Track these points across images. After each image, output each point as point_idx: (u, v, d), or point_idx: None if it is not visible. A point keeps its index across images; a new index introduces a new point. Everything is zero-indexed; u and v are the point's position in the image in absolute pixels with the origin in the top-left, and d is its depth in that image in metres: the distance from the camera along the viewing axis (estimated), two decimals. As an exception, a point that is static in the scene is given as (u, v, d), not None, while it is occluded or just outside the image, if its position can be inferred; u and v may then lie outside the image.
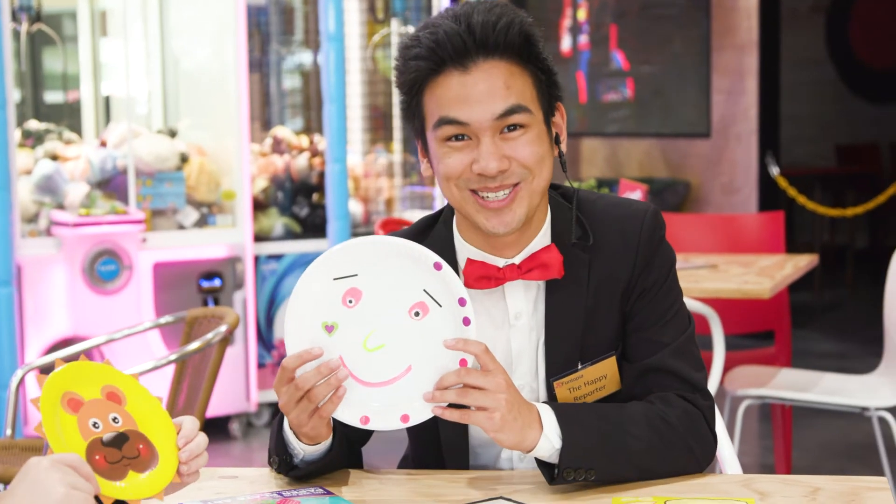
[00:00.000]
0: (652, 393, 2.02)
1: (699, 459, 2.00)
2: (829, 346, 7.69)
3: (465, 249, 2.06)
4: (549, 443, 1.87)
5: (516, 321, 2.05)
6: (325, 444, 1.96)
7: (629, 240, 2.04)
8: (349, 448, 2.06)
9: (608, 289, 2.04)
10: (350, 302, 1.86)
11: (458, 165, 1.96)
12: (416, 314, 1.86)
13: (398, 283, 1.86)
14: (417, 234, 2.09)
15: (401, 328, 1.86)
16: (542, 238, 2.05)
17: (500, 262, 2.03)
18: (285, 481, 1.99)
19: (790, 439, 4.76)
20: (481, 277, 2.00)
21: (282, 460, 1.96)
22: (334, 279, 1.86)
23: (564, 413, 1.91)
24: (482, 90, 1.93)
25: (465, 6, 1.96)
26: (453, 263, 2.04)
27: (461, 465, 2.07)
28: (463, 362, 1.84)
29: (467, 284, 1.99)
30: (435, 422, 1.89)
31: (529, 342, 2.05)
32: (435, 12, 6.77)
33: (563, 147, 2.05)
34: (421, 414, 1.86)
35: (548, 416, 1.89)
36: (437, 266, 1.84)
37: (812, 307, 8.84)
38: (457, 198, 1.99)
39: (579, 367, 2.02)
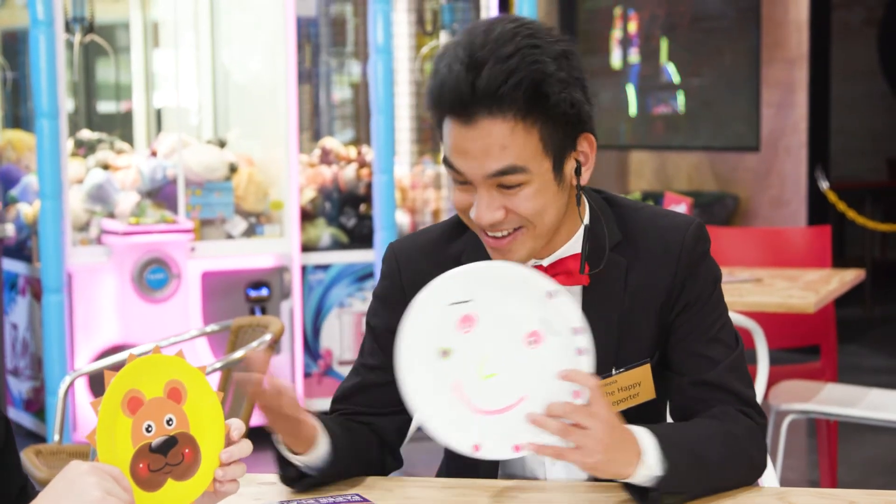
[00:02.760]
0: (710, 408, 2.02)
1: (757, 472, 2.02)
2: (879, 361, 7.62)
3: None
4: (649, 471, 1.86)
5: None
6: (322, 452, 1.96)
7: (671, 250, 2.03)
8: (380, 449, 2.08)
9: (645, 296, 2.04)
10: (465, 327, 1.86)
11: (462, 203, 1.96)
12: (531, 342, 1.84)
13: (513, 310, 1.85)
14: (459, 225, 2.09)
15: (515, 356, 1.85)
16: (574, 244, 2.04)
17: (529, 262, 2.03)
18: (325, 488, 2.00)
19: (835, 455, 4.73)
20: None
21: (284, 474, 1.97)
22: (450, 304, 1.86)
23: (665, 438, 1.89)
24: (478, 147, 1.89)
25: (480, 50, 1.88)
26: (488, 258, 2.03)
27: (491, 472, 2.08)
28: (576, 394, 1.81)
29: None
30: None
31: None
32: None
33: (585, 176, 1.98)
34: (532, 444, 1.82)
35: (649, 442, 1.87)
36: (551, 294, 1.83)
37: (862, 322, 8.77)
38: (470, 225, 2.00)
39: (613, 372, 2.02)
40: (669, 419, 2.13)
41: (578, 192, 2.00)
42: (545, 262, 2.03)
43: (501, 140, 1.88)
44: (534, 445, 1.80)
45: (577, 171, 1.98)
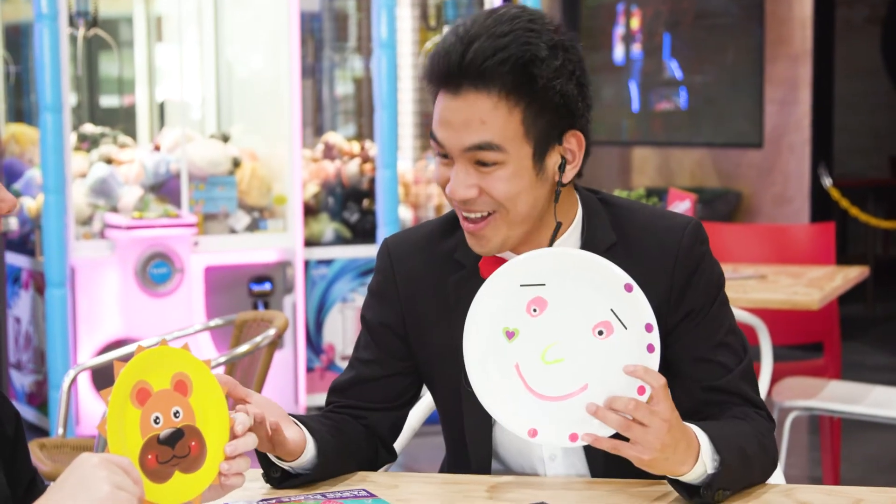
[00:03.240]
0: (725, 411, 2.02)
1: (774, 471, 2.03)
2: (882, 358, 7.62)
3: None
4: (703, 468, 1.85)
5: None
6: (308, 457, 1.95)
7: (667, 251, 2.01)
8: (372, 444, 2.09)
9: None
10: (534, 311, 1.85)
11: (441, 178, 1.97)
12: (600, 333, 1.83)
13: (586, 299, 1.83)
14: (448, 223, 2.10)
15: (582, 345, 1.84)
16: (566, 241, 2.02)
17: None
18: (330, 483, 2.00)
19: (838, 452, 4.72)
20: (494, 270, 1.95)
21: (269, 476, 1.96)
22: (521, 285, 1.85)
23: (718, 437, 1.88)
24: (460, 119, 1.90)
25: (477, 25, 1.91)
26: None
27: (485, 467, 2.08)
28: (641, 390, 1.80)
29: (482, 276, 1.96)
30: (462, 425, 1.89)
31: None
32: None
33: (569, 175, 1.97)
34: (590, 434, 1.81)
35: (704, 440, 1.87)
36: (629, 287, 1.82)
37: (864, 319, 8.77)
38: (449, 202, 2.00)
39: None
40: None
41: (558, 189, 1.97)
42: None
43: (482, 114, 1.89)
44: (591, 436, 1.80)
45: (562, 168, 1.96)
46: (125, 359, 1.64)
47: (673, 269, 2.01)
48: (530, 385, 1.85)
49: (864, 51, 10.38)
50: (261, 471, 2.01)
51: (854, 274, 4.52)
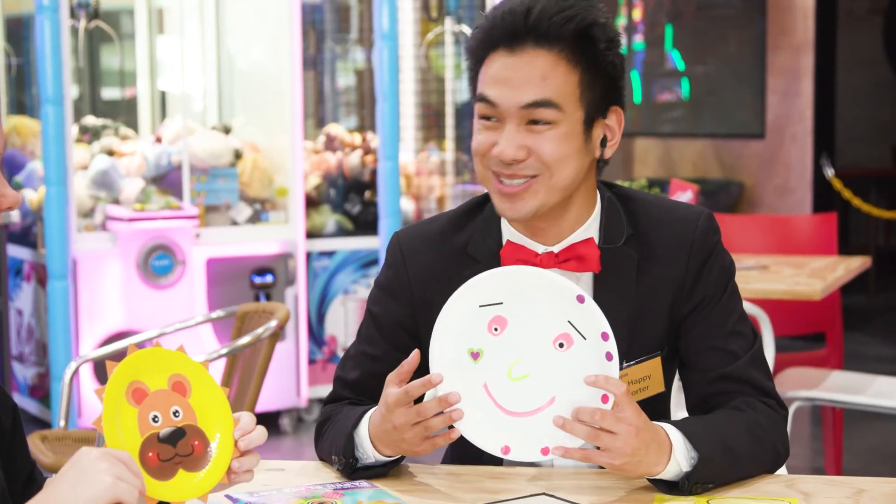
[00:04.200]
0: (732, 400, 2.02)
1: (780, 461, 2.03)
2: (884, 349, 7.62)
3: (508, 232, 2.06)
4: (678, 466, 1.87)
5: None
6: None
7: (682, 241, 2.03)
8: None
9: (657, 289, 2.03)
10: (496, 330, 1.87)
11: (484, 143, 1.97)
12: (561, 345, 1.85)
13: (543, 314, 1.85)
14: (465, 214, 2.10)
15: (546, 359, 1.85)
16: (586, 231, 2.04)
17: (540, 249, 2.03)
18: (332, 474, 2.00)
19: (840, 442, 4.72)
20: (518, 261, 1.99)
21: (348, 462, 1.96)
22: (480, 306, 1.87)
23: (693, 433, 1.90)
24: (520, 76, 1.93)
25: None
26: (497, 245, 2.04)
27: (496, 459, 2.08)
28: (605, 398, 1.82)
29: (504, 265, 1.97)
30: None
31: None
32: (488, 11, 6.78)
33: (609, 152, 2.02)
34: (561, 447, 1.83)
35: (677, 438, 1.88)
36: (581, 298, 1.83)
37: (867, 310, 8.76)
38: (481, 174, 2.00)
39: (623, 365, 2.01)
40: (683, 412, 2.13)
41: (601, 164, 2.01)
42: (556, 249, 2.03)
43: (544, 71, 1.92)
44: (561, 449, 1.82)
45: (603, 144, 2.00)
46: (117, 358, 1.62)
47: (687, 259, 2.03)
48: (500, 403, 1.87)
49: (867, 41, 10.37)
50: (263, 462, 2.01)
51: (856, 264, 4.52)
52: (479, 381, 1.87)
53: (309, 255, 6.07)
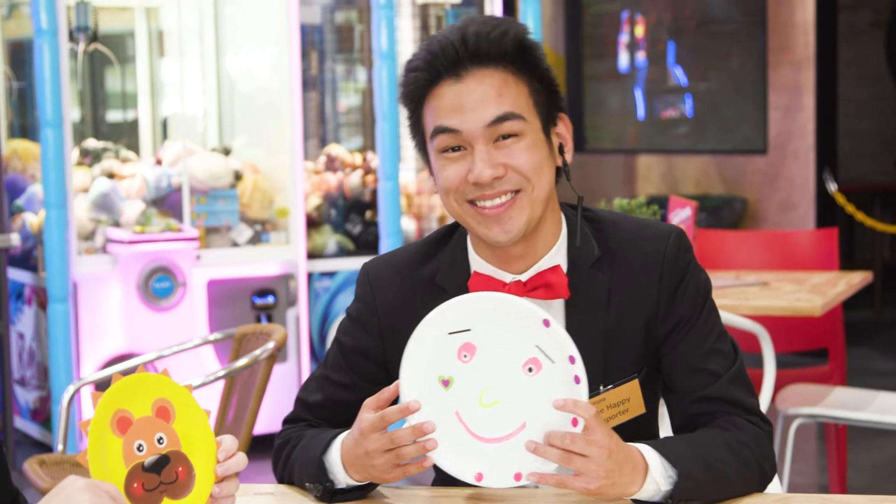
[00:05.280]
0: (714, 420, 2.01)
1: (767, 480, 2.01)
2: (889, 364, 7.59)
3: (476, 262, 2.06)
4: (656, 486, 1.86)
5: None
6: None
7: (652, 261, 2.02)
8: None
9: (630, 311, 2.02)
10: (465, 357, 1.86)
11: (454, 177, 1.96)
12: (530, 370, 1.85)
13: (510, 339, 1.85)
14: (434, 244, 2.10)
15: (515, 384, 1.85)
16: (554, 256, 2.03)
17: (507, 278, 2.02)
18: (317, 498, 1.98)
19: (845, 459, 4.70)
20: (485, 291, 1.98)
21: (325, 488, 1.95)
22: (449, 333, 1.87)
23: (669, 451, 1.89)
24: (475, 98, 1.94)
25: (466, 19, 1.99)
26: (465, 275, 2.04)
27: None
28: (575, 422, 1.82)
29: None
30: None
31: None
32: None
33: (569, 157, 2.04)
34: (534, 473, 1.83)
35: (653, 458, 1.87)
36: (546, 322, 1.83)
37: (871, 325, 8.74)
38: (457, 211, 1.99)
39: (601, 389, 2.00)
40: (669, 433, 2.11)
41: (565, 168, 2.02)
42: (524, 277, 2.02)
43: (496, 88, 1.94)
44: (535, 474, 1.81)
45: (561, 151, 2.03)
46: (103, 387, 1.62)
47: (659, 278, 2.02)
48: (472, 430, 1.86)
49: (868, 55, 10.36)
50: (250, 486, 2.00)
51: (857, 279, 4.50)
52: (450, 409, 1.86)
53: (310, 276, 6.06)
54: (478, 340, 1.86)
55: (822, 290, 4.25)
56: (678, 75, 8.95)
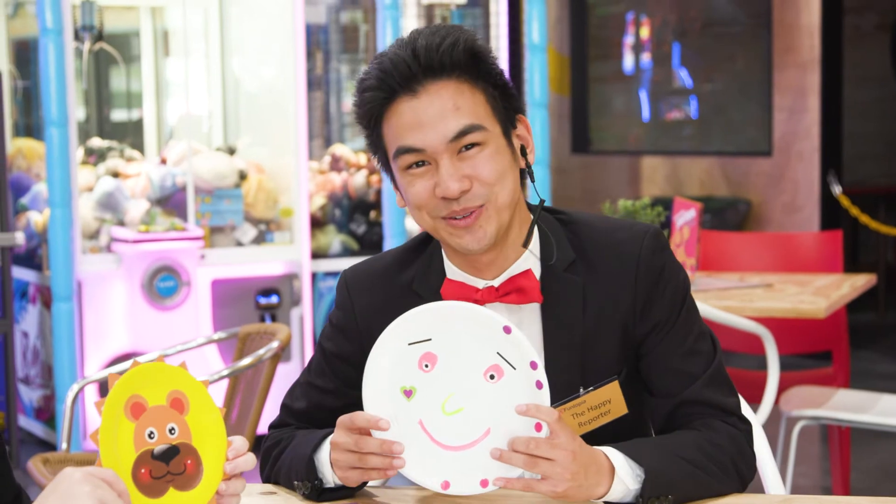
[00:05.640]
0: (691, 422, 2.01)
1: (744, 480, 2.00)
2: (892, 367, 7.58)
3: (449, 269, 2.07)
4: (625, 486, 1.87)
5: None
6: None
7: (627, 262, 2.01)
8: None
9: (606, 313, 2.02)
10: (426, 366, 1.87)
11: (423, 193, 1.96)
12: (492, 377, 1.86)
13: (471, 347, 1.86)
14: (412, 251, 2.11)
15: (478, 391, 1.86)
16: (525, 261, 2.04)
17: (480, 284, 2.03)
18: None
19: (847, 461, 4.69)
20: (458, 298, 1.99)
21: (313, 486, 1.96)
22: (409, 344, 1.88)
23: (634, 451, 1.90)
24: (433, 114, 1.93)
25: (413, 32, 1.97)
26: (440, 282, 2.05)
27: None
28: (538, 426, 1.83)
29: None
30: None
31: None
32: (493, 32, 6.79)
33: (531, 158, 2.04)
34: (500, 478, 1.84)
35: (618, 458, 1.88)
36: (507, 329, 1.84)
37: (875, 327, 8.73)
38: (430, 226, 2.00)
39: (581, 392, 2.01)
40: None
41: (529, 170, 2.03)
42: (496, 283, 2.03)
43: (453, 101, 1.94)
44: (501, 480, 1.82)
45: (523, 153, 2.02)
46: (105, 392, 1.63)
47: (635, 280, 2.01)
48: (436, 438, 1.87)
49: (874, 58, 10.35)
50: (253, 486, 2.00)
51: (861, 282, 4.50)
52: (413, 419, 1.87)
53: (314, 276, 6.06)
54: (438, 350, 1.87)
55: (826, 293, 4.25)
56: (683, 77, 8.95)
